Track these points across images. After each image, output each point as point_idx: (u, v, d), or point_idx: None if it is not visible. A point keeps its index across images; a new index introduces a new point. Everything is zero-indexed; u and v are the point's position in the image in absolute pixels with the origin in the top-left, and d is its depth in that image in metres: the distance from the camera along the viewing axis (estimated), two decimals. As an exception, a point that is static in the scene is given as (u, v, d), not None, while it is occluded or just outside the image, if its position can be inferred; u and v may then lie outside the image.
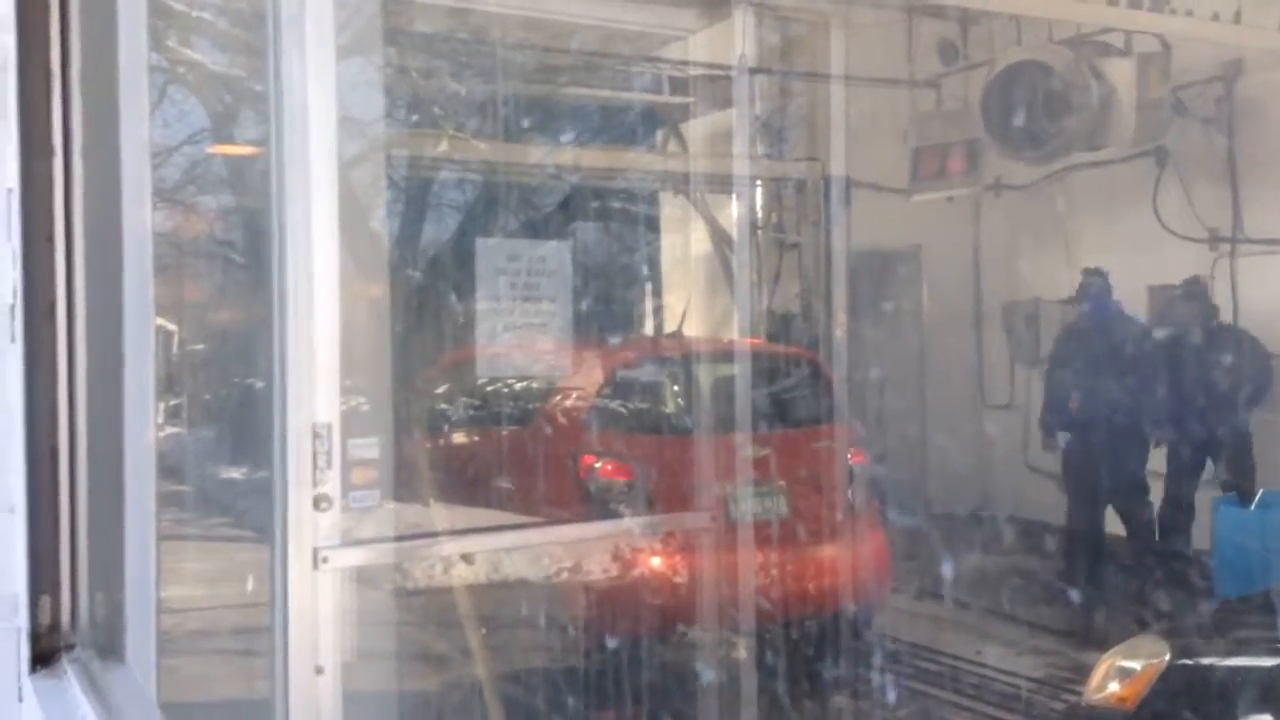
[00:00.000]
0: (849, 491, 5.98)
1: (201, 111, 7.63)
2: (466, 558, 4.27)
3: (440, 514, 4.43)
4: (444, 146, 6.44)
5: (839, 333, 7.00)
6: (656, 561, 5.18)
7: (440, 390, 5.60)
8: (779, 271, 7.68)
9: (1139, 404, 7.28)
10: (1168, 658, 3.48)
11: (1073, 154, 7.84)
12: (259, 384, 3.58)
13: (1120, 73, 7.27)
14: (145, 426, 2.91)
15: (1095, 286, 7.67)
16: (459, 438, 5.54)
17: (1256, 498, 6.47)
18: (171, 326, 6.47)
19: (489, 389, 5.66)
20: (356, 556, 3.37)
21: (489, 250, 4.44)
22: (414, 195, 6.94)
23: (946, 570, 7.40)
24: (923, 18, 8.83)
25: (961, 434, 9.43)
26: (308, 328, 3.20)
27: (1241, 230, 7.91)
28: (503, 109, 6.73)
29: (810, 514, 5.77)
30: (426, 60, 6.62)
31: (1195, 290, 7.57)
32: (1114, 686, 3.59)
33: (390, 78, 5.14)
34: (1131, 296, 8.41)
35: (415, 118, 6.61)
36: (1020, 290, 9.11)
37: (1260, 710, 3.21)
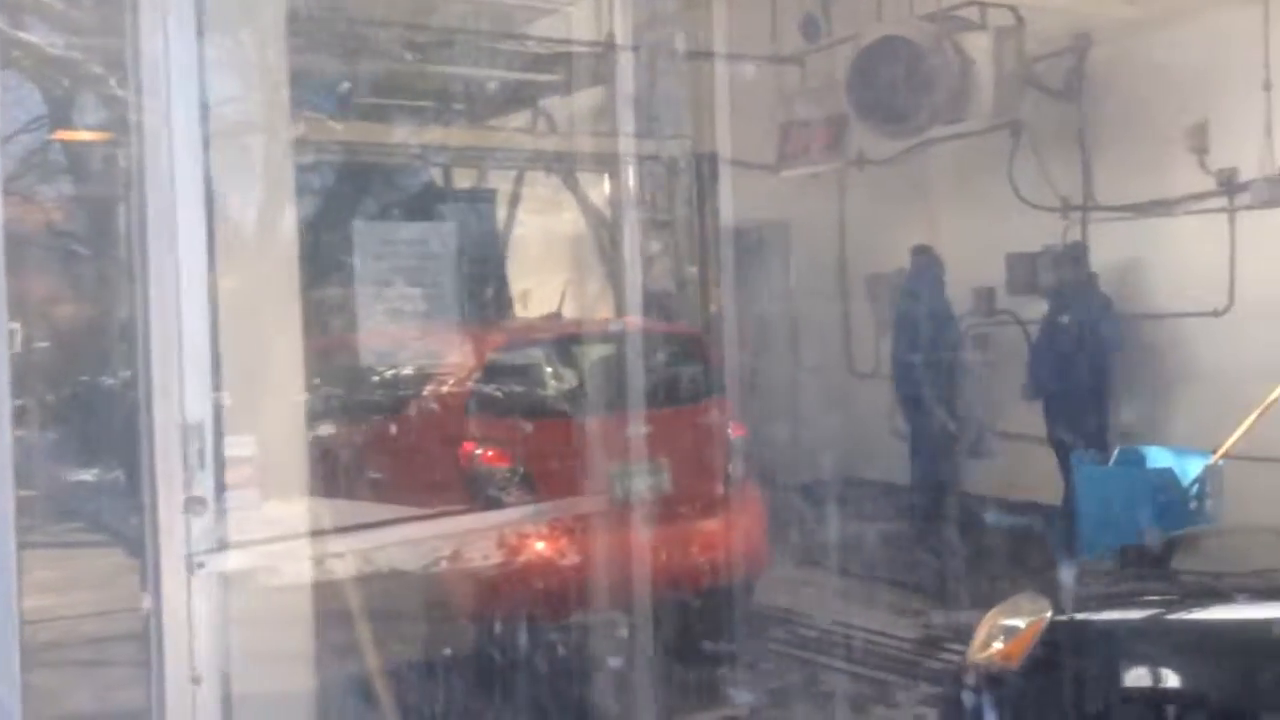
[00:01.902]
0: (729, 465, 6.03)
1: (38, 97, 7.16)
2: (356, 554, 4.13)
3: (320, 510, 4.27)
4: (300, 128, 6.19)
5: (714, 308, 7.03)
6: (542, 547, 5.12)
7: (318, 381, 5.40)
8: (653, 250, 7.67)
9: (931, 369, 7.98)
10: (1049, 614, 3.59)
11: (934, 128, 8.04)
12: (111, 381, 3.38)
13: (977, 46, 7.47)
14: (1, 433, 2.71)
15: (917, 262, 8.38)
16: (338, 429, 5.35)
17: (1113, 455, 6.77)
18: (13, 324, 6.08)
19: (366, 378, 5.49)
20: (234, 560, 3.22)
21: (366, 234, 4.28)
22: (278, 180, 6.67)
23: (822, 537, 7.57)
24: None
25: (830, 403, 9.64)
26: (175, 321, 3.04)
27: (1092, 198, 8.25)
28: (366, 88, 6.51)
29: (693, 490, 5.79)
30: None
31: (1074, 253, 7.95)
32: (998, 645, 3.68)
33: (249, 56, 4.90)
34: (991, 264, 8.73)
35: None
36: (884, 262, 9.33)
37: (1140, 662, 3.35)
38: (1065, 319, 7.66)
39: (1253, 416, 6.05)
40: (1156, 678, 3.38)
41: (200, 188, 3.04)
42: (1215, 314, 7.46)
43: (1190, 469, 6.17)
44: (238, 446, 3.17)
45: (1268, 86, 7.08)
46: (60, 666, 4.53)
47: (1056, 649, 3.53)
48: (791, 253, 10.00)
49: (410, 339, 5.09)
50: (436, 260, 4.49)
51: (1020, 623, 3.64)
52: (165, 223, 3.04)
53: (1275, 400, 6.03)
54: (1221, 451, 6.15)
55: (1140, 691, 3.35)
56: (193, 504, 3.10)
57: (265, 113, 3.43)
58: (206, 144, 3.04)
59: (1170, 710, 3.31)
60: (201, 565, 3.14)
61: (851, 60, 7.80)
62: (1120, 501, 6.08)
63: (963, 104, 7.46)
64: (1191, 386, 7.59)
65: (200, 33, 3.08)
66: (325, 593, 3.77)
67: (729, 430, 6.12)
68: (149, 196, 3.06)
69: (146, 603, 3.02)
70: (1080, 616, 3.68)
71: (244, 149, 3.31)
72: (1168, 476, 6.15)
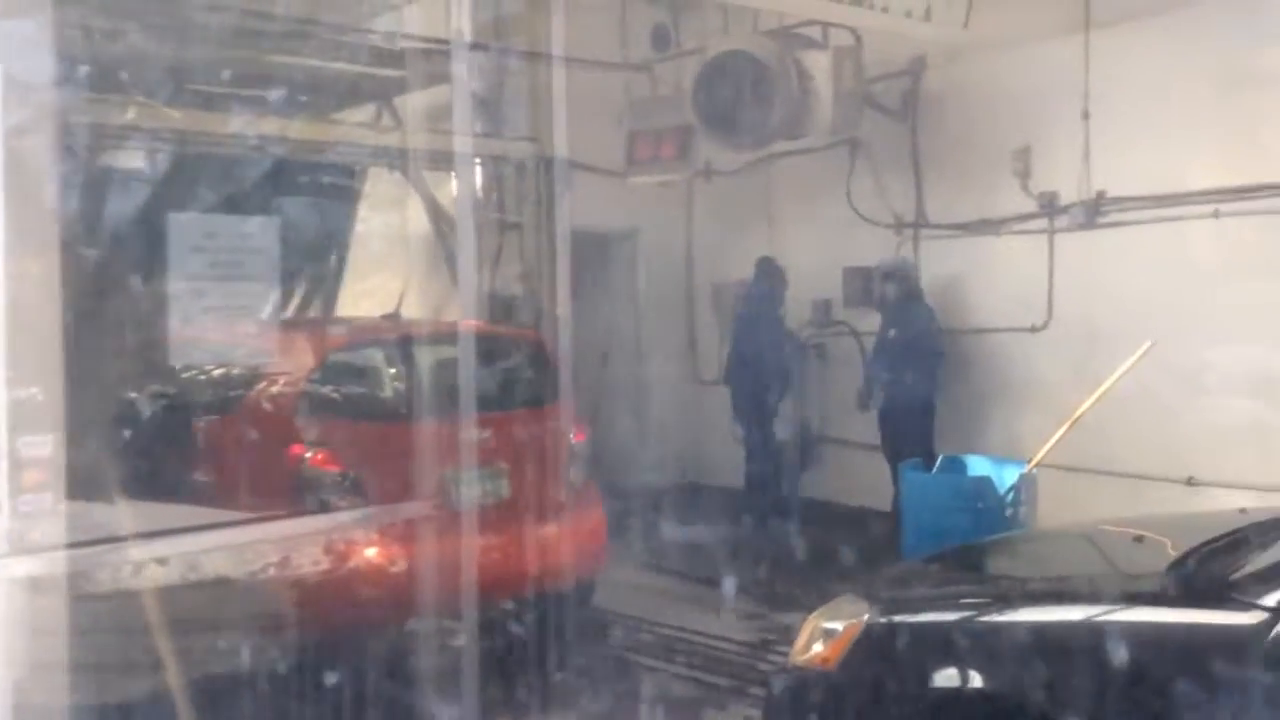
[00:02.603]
0: (570, 470, 6.02)
1: None
2: (161, 560, 3.96)
3: (133, 514, 4.08)
4: (131, 114, 5.92)
5: (560, 312, 7.03)
6: (373, 553, 5.00)
7: (130, 380, 5.15)
8: (500, 251, 7.62)
9: (767, 378, 8.23)
10: (866, 617, 3.68)
11: (775, 142, 8.23)
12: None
13: (818, 65, 7.67)
14: None
15: (758, 272, 8.58)
16: (153, 430, 5.11)
17: (937, 462, 7.04)
18: None
19: (187, 377, 5.26)
20: (29, 566, 3.04)
21: (183, 226, 4.09)
22: (97, 167, 6.35)
23: (662, 542, 7.64)
24: (637, 2, 8.98)
25: (674, 409, 9.75)
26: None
27: (924, 216, 8.58)
28: (200, 75, 6.26)
29: (532, 495, 5.76)
30: (111, 20, 6.06)
31: (902, 269, 8.24)
32: (818, 647, 3.74)
33: (65, 38, 4.65)
34: (830, 276, 8.99)
35: (97, 82, 6.02)
36: (728, 271, 9.49)
37: (948, 663, 3.46)
38: (894, 333, 7.96)
39: (1063, 429, 6.38)
40: (964, 678, 3.49)
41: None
42: (1034, 330, 7.85)
43: (1007, 477, 6.47)
44: (34, 446, 2.99)
45: (1086, 115, 7.49)
46: None
47: (871, 651, 3.62)
48: (639, 259, 10.08)
49: (237, 337, 4.90)
50: (265, 256, 4.33)
51: (838, 625, 3.71)
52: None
53: (1084, 413, 6.37)
54: (1035, 461, 6.47)
55: (948, 692, 3.46)
56: (-17, 507, 2.91)
57: (28, 97, 3.24)
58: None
59: (975, 710, 3.43)
60: (-8, 572, 2.96)
61: (697, 72, 7.91)
62: (942, 507, 6.33)
63: (803, 120, 7.65)
64: (1011, 399, 7.97)
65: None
66: (130, 600, 3.60)
67: (570, 435, 6.11)
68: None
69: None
70: (896, 619, 3.79)
71: (48, 134, 3.13)
72: (985, 484, 6.43)
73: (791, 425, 8.58)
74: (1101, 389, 6.36)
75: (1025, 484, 6.40)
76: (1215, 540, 3.70)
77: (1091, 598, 3.65)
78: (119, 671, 3.42)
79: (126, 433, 4.71)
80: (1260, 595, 3.14)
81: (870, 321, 8.56)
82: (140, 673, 3.83)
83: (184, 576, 4.08)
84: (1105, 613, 3.49)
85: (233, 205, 6.22)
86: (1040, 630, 3.48)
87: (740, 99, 7.64)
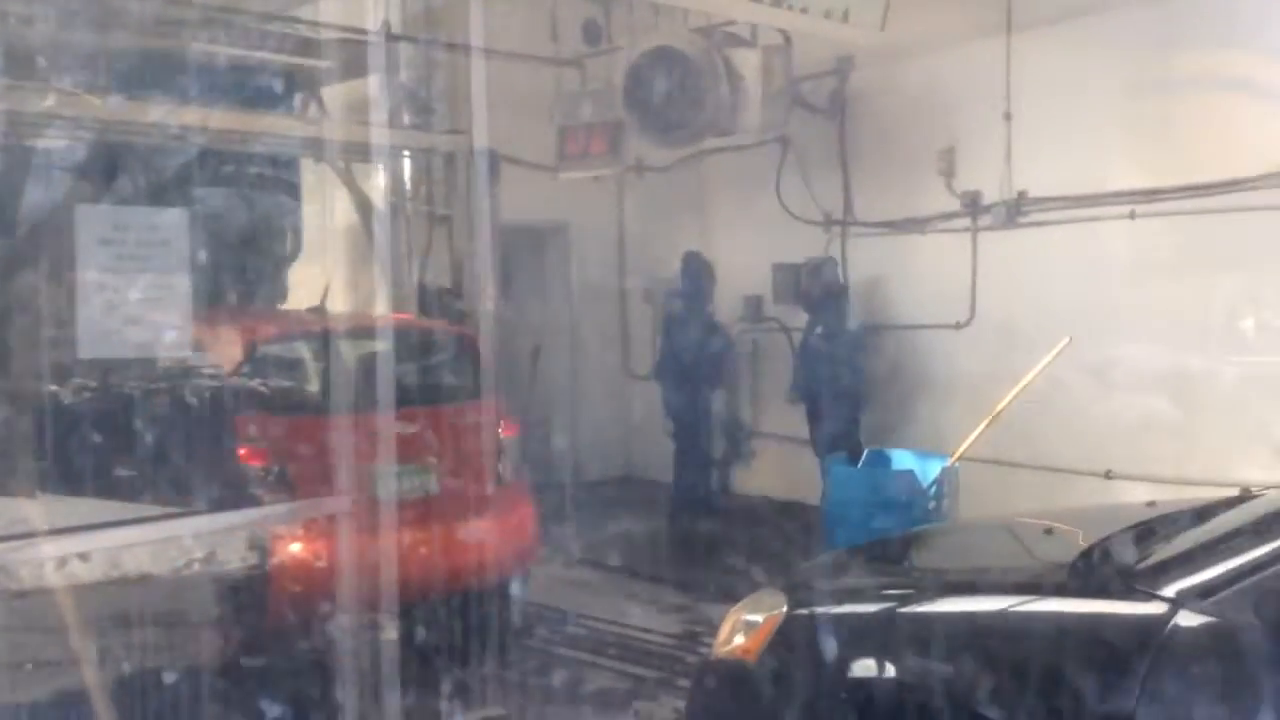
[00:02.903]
0: (500, 464, 6.01)
1: None
2: (83, 555, 3.89)
3: (48, 509, 4.00)
4: (50, 101, 5.79)
5: (489, 306, 7.01)
6: (297, 549, 4.95)
7: (37, 373, 5.03)
8: (429, 245, 7.57)
9: (695, 372, 8.24)
10: (785, 609, 3.73)
11: (705, 139, 8.28)
12: None
13: (747, 63, 7.73)
14: None
15: (684, 267, 8.64)
16: (62, 425, 4.99)
17: (862, 456, 7.15)
18: None
19: (108, 370, 5.14)
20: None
21: (91, 218, 4.01)
22: (13, 156, 6.20)
23: (594, 536, 7.67)
24: (567, -4, 8.97)
25: (607, 403, 9.79)
26: None
27: (851, 214, 8.70)
28: (121, 62, 6.14)
29: (461, 489, 5.74)
30: (26, 5, 5.91)
31: (826, 267, 8.35)
32: (739, 640, 3.80)
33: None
34: (760, 273, 9.08)
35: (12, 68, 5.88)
36: (660, 266, 9.55)
37: (865, 653, 3.52)
38: (820, 329, 8.07)
39: (984, 423, 6.51)
40: (880, 668, 3.56)
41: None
42: (957, 327, 8.01)
43: (930, 470, 6.59)
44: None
45: (1008, 116, 7.65)
46: None
47: (791, 643, 3.67)
48: (572, 254, 10.09)
49: (158, 329, 4.82)
50: (178, 248, 4.26)
51: (759, 618, 3.76)
52: None
53: (1004, 408, 6.51)
54: (957, 455, 6.59)
55: (865, 681, 3.53)
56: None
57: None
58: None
59: (891, 698, 3.50)
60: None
61: (626, 68, 7.93)
62: (866, 500, 6.43)
63: (732, 117, 7.70)
64: (935, 394, 8.12)
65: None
66: (48, 593, 3.53)
67: (498, 429, 6.10)
68: None
69: None
70: (816, 610, 3.85)
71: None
72: (909, 478, 6.54)
73: (722, 420, 8.65)
74: (1021, 384, 6.51)
75: (947, 477, 6.53)
76: (1121, 533, 3.80)
77: (1003, 589, 3.73)
78: (32, 669, 3.34)
79: (38, 426, 4.61)
80: (1162, 586, 3.23)
81: (800, 318, 8.66)
82: (54, 671, 3.75)
83: (106, 573, 4.01)
84: (1015, 604, 3.58)
85: (160, 195, 6.12)
86: (953, 620, 3.56)
87: (670, 95, 7.68)
